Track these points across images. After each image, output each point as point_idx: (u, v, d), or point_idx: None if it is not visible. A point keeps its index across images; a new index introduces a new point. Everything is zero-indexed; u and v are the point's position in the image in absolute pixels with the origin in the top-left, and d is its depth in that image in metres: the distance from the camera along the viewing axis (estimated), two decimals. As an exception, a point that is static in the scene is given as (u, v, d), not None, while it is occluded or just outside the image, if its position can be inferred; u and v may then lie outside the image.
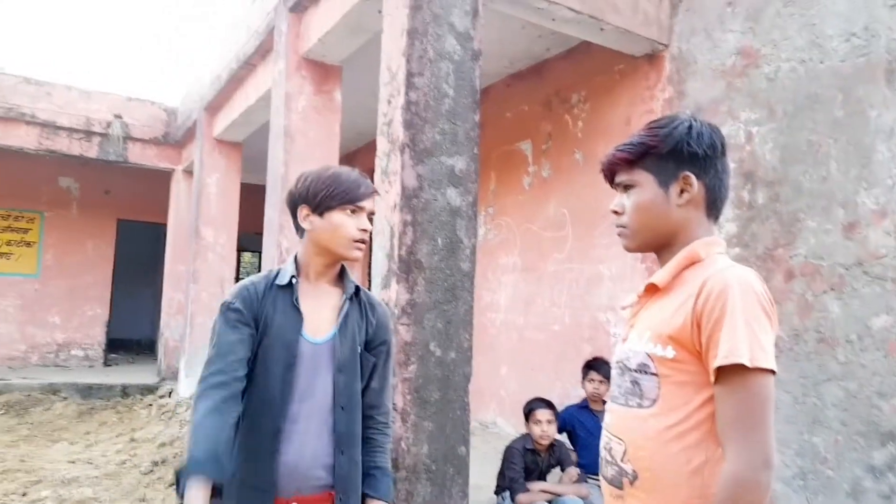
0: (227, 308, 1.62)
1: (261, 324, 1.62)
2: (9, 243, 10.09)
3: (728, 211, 3.90)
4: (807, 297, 3.44)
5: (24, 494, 4.58)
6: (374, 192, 1.71)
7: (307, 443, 1.59)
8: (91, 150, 9.07)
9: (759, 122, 3.80)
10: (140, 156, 9.50)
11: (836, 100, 3.41)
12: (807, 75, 3.56)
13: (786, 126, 3.65)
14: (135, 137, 9.38)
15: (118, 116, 9.21)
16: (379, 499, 1.69)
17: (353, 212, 1.65)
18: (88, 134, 9.03)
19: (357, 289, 1.74)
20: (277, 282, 1.67)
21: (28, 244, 10.24)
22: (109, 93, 9.31)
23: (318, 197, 1.65)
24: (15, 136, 8.58)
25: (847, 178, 3.32)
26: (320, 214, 1.66)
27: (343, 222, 1.64)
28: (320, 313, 1.67)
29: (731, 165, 3.88)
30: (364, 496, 1.68)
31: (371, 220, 1.70)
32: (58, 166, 10.14)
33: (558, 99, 5.60)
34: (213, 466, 1.42)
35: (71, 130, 8.90)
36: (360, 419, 1.69)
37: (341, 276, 1.75)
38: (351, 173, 1.70)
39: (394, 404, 2.94)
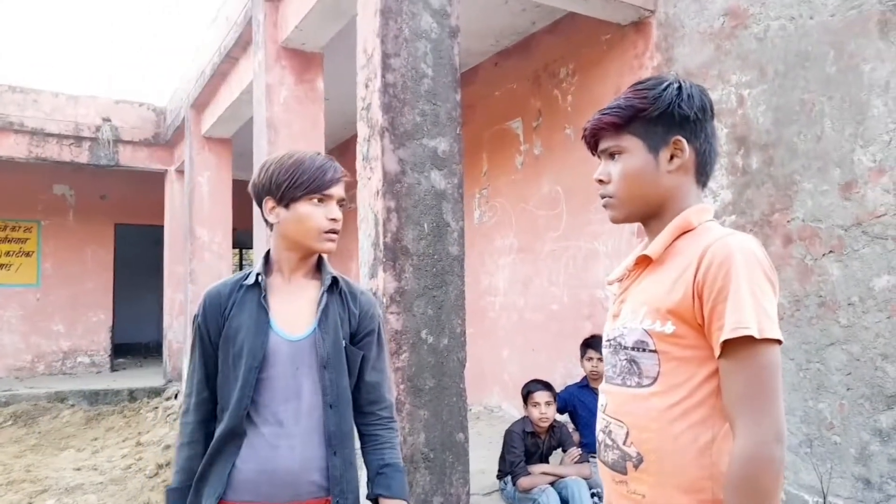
0: (194, 321, 1.62)
1: (223, 331, 1.56)
2: (7, 254, 10.07)
3: (722, 178, 3.80)
4: (806, 262, 3.35)
5: (28, 504, 4.57)
6: (343, 176, 1.60)
7: (295, 446, 1.49)
8: (82, 156, 9.00)
9: (751, 84, 3.68)
10: (131, 158, 9.43)
11: (827, 56, 3.30)
12: (797, 32, 3.45)
13: (777, 87, 3.54)
14: (125, 140, 9.30)
15: (107, 120, 9.13)
16: (393, 498, 1.58)
17: (320, 201, 1.55)
18: (78, 139, 8.96)
19: (335, 280, 1.63)
20: (246, 282, 1.58)
21: (27, 254, 10.22)
22: (97, 96, 9.22)
23: (281, 188, 1.55)
24: (4, 146, 8.52)
25: (842, 136, 3.21)
26: (286, 206, 1.55)
27: (310, 213, 1.54)
28: (298, 309, 1.58)
29: (724, 131, 3.78)
30: (378, 497, 1.58)
31: (341, 207, 1.60)
32: (51, 174, 10.08)
33: (547, 74, 5.48)
34: (186, 496, 1.53)
35: (60, 137, 8.82)
36: (351, 417, 1.60)
37: (319, 268, 1.65)
38: (315, 159, 1.58)
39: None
